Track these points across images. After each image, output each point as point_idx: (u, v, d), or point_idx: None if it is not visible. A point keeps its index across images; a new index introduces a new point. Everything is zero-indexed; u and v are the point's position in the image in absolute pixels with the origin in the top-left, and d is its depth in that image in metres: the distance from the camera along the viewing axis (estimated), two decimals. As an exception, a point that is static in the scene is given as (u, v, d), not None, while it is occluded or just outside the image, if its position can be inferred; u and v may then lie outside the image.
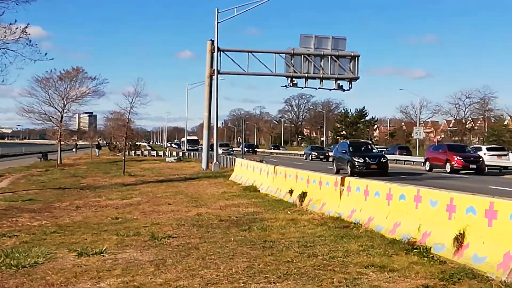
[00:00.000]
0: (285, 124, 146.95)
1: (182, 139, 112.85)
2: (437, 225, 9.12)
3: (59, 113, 47.97)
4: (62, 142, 48.92)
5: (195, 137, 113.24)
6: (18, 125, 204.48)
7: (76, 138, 69.91)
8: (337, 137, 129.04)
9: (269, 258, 8.60)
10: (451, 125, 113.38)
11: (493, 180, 28.36)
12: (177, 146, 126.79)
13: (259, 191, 20.19)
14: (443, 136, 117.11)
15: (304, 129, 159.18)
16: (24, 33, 20.11)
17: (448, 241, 8.52)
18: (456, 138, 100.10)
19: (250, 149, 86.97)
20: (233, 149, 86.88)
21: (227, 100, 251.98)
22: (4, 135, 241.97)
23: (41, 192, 21.70)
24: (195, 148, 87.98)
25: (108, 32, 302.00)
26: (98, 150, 71.49)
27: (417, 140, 72.99)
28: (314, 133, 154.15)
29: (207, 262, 8.34)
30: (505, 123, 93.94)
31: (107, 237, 10.76)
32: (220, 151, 64.33)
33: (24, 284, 7.24)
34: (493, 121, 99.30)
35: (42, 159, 54.25)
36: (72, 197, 19.81)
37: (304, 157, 66.48)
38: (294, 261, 8.36)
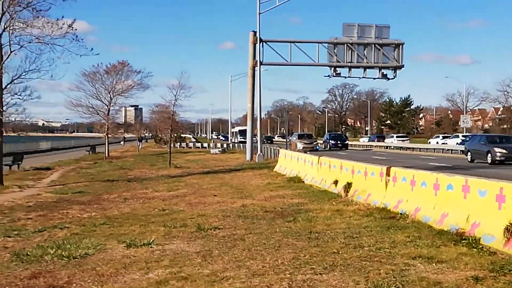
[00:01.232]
0: (329, 114, 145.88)
1: (233, 130, 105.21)
2: (487, 215, 8.94)
3: (106, 107, 48.79)
4: (109, 135, 49.85)
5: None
6: (67, 119, 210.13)
7: (122, 131, 70.97)
8: (382, 127, 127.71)
9: (314, 249, 8.60)
10: (499, 113, 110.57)
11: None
12: (224, 138, 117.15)
13: (303, 182, 20.15)
14: (491, 124, 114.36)
15: (348, 119, 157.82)
16: (71, 28, 20.55)
17: (498, 231, 8.35)
18: (505, 126, 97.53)
19: (339, 142, 60.81)
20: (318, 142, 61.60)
21: (269, 90, 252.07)
22: (53, 128, 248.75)
23: (90, 185, 22.19)
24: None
25: (150, 25, 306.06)
26: (140, 142, 70.06)
27: (464, 128, 71.59)
28: (358, 123, 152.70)
29: (253, 253, 8.39)
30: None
31: (155, 228, 10.94)
32: (300, 145, 50.19)
33: (75, 274, 7.44)
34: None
35: (90, 152, 55.35)
36: (120, 189, 20.19)
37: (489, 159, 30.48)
38: (340, 252, 8.34)
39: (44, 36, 20.30)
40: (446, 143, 57.06)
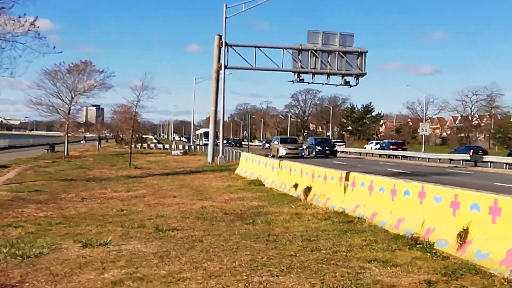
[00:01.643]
0: (291, 119, 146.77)
1: (198, 132, 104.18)
2: (441, 221, 9.12)
3: (67, 106, 48.22)
4: (69, 134, 49.22)
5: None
6: (26, 117, 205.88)
7: (83, 130, 70.00)
8: (343, 133, 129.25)
9: (272, 251, 8.63)
10: (457, 122, 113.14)
11: (499, 177, 28.29)
12: (186, 140, 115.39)
13: (264, 185, 20.21)
14: (449, 132, 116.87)
15: (310, 124, 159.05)
16: (33, 26, 20.14)
17: (452, 237, 8.53)
18: (462, 135, 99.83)
19: (327, 149, 52.22)
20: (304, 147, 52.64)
21: (234, 94, 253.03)
22: (12, 126, 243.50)
23: (48, 183, 21.79)
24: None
25: (115, 26, 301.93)
26: (99, 142, 67.27)
27: (423, 136, 72.96)
28: (320, 128, 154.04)
29: (210, 255, 8.38)
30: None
31: (112, 228, 10.81)
32: (283, 151, 44.48)
33: (28, 274, 7.29)
34: (499, 118, 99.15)
35: (49, 150, 54.39)
36: (78, 188, 19.90)
37: None
38: (297, 255, 8.39)
39: (6, 33, 19.87)
40: (377, 148, 71.41)
